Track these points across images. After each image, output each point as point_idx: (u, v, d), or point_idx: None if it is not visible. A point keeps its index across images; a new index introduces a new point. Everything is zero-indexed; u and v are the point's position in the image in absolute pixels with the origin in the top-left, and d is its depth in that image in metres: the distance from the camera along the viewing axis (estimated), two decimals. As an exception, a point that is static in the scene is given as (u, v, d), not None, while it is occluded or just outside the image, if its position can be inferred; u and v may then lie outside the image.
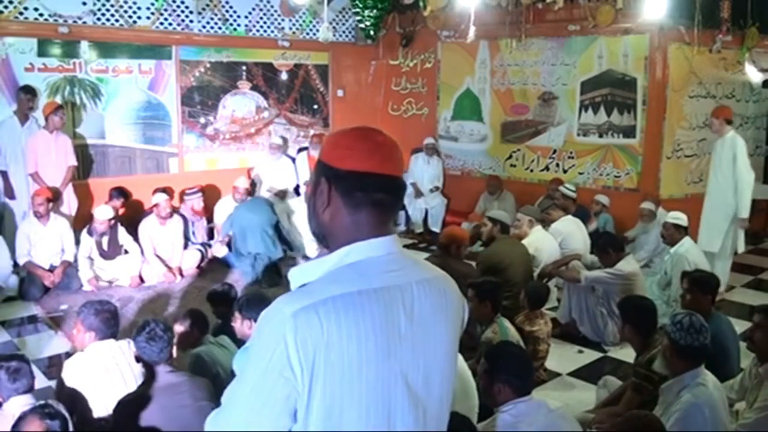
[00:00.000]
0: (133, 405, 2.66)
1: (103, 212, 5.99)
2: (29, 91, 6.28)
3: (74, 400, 2.90)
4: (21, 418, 2.30)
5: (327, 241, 1.31)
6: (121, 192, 6.77)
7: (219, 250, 6.67)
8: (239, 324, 3.26)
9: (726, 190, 5.78)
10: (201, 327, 3.65)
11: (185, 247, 6.57)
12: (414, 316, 1.24)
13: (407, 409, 1.23)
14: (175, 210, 6.63)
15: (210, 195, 7.49)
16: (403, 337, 1.22)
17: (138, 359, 2.86)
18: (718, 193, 5.84)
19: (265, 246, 6.36)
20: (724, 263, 5.90)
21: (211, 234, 7.04)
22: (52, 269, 5.89)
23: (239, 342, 3.42)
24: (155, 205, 6.37)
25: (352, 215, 1.26)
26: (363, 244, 1.24)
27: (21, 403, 2.62)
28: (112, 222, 6.02)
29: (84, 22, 6.71)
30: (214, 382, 3.02)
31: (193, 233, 6.78)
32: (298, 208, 7.18)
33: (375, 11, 7.61)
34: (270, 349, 1.15)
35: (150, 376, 2.80)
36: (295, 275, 1.27)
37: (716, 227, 5.82)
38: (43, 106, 6.30)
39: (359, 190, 1.25)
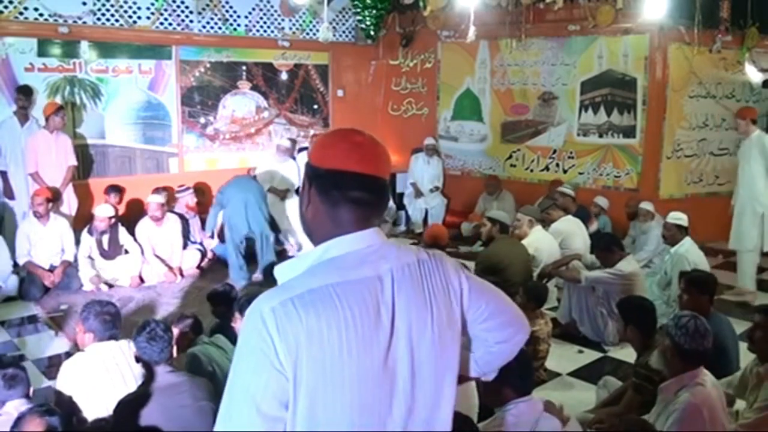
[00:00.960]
0: (133, 405, 2.66)
1: (103, 210, 6.00)
2: (21, 91, 6.28)
3: (72, 408, 2.90)
4: (20, 418, 2.30)
5: (312, 238, 1.34)
6: (115, 188, 6.76)
7: (210, 243, 6.67)
8: (239, 324, 3.26)
9: (753, 189, 5.77)
10: (195, 329, 3.66)
11: (185, 247, 6.57)
12: (395, 303, 1.24)
13: (394, 396, 1.23)
14: (169, 209, 6.60)
15: (210, 195, 7.50)
16: (385, 326, 1.22)
17: (138, 359, 2.86)
18: (747, 191, 5.83)
19: (260, 220, 6.21)
20: (749, 259, 5.89)
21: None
22: (52, 269, 5.89)
23: (238, 342, 3.41)
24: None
25: (330, 213, 1.28)
26: (343, 238, 1.26)
27: (16, 405, 2.62)
28: (113, 221, 6.03)
29: (84, 22, 6.72)
30: (211, 380, 3.02)
31: (190, 233, 6.77)
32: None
33: (375, 11, 7.62)
34: (257, 347, 1.16)
35: (150, 376, 2.80)
36: (280, 272, 1.29)
37: (746, 226, 5.83)
38: (44, 106, 6.31)
39: (335, 189, 1.27)
